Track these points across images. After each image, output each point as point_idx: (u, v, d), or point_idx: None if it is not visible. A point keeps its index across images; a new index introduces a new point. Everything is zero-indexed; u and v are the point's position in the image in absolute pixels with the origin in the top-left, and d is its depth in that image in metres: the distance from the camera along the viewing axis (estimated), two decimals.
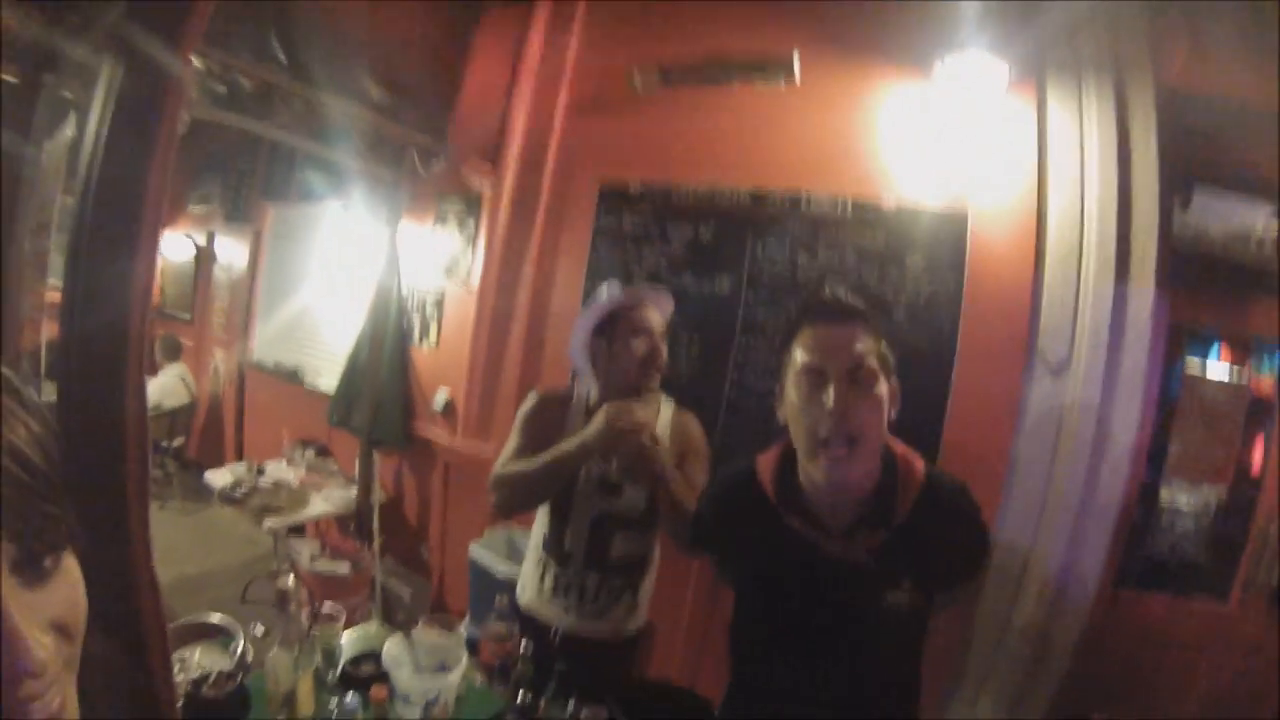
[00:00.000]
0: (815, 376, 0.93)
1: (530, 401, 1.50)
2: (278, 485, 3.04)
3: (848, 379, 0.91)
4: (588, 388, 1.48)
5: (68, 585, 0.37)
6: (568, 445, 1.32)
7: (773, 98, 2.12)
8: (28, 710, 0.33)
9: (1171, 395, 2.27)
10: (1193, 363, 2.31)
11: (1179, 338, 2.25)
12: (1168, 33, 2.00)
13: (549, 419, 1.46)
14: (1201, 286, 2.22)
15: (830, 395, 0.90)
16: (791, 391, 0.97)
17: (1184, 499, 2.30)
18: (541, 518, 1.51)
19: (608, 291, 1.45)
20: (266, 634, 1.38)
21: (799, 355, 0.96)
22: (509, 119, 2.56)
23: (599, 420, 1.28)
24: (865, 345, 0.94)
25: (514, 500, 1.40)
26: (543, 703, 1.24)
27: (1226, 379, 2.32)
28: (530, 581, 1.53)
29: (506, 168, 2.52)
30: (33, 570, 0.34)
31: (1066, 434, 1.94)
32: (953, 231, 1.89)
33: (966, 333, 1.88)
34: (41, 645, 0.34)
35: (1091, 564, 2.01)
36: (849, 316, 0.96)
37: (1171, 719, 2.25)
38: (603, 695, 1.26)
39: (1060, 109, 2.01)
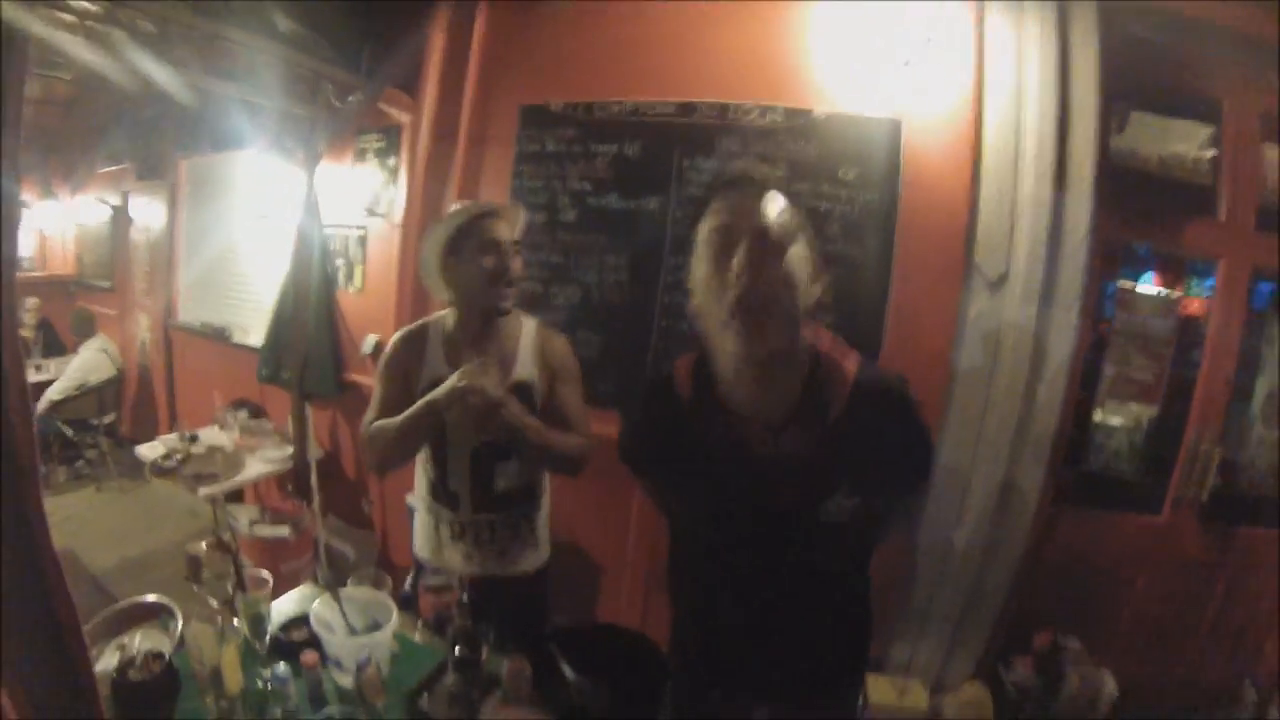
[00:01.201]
0: (722, 238, 0.86)
1: (389, 347, 1.44)
2: (211, 451, 2.90)
3: (756, 240, 0.84)
4: (444, 314, 1.42)
5: None
6: (419, 407, 1.26)
7: (700, 7, 2.01)
8: None
9: (1106, 313, 2.30)
10: (1126, 282, 2.33)
11: (1114, 255, 2.26)
12: None
13: (409, 358, 1.39)
14: (1137, 205, 2.22)
15: (740, 254, 0.84)
16: (699, 264, 0.89)
17: (1117, 417, 2.35)
18: (423, 466, 1.45)
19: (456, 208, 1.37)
20: (185, 607, 1.30)
21: (706, 223, 0.89)
22: (426, 45, 2.39)
23: (449, 382, 1.22)
24: (776, 208, 0.87)
25: (384, 459, 1.35)
26: (483, 655, 1.18)
27: (1159, 297, 2.35)
28: (426, 533, 1.49)
29: (425, 96, 2.37)
30: None
31: (1004, 350, 1.93)
32: (887, 141, 1.83)
33: (903, 245, 1.84)
34: None
35: (1030, 482, 2.02)
36: (760, 185, 0.90)
37: (1110, 633, 2.32)
38: (544, 640, 1.20)
39: (999, 17, 1.95)
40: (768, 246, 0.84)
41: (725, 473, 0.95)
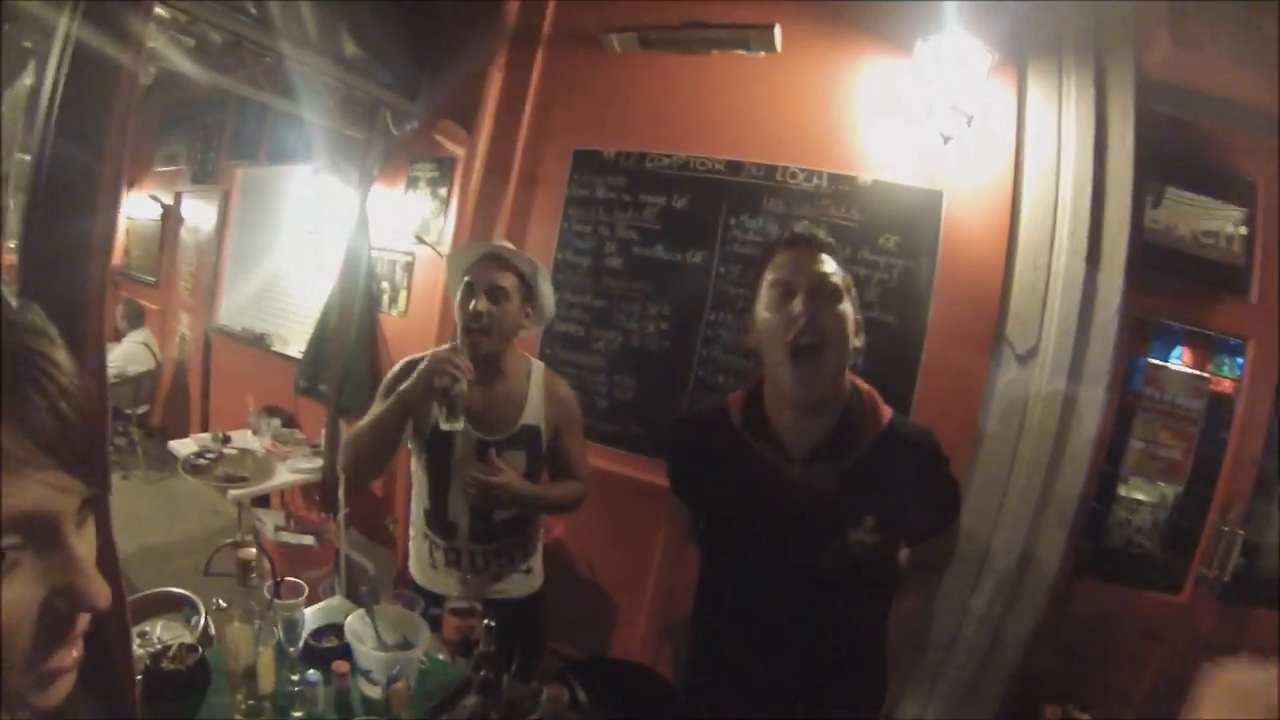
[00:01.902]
0: (783, 289, 0.99)
1: (394, 371, 1.43)
2: (243, 454, 2.98)
3: (815, 291, 0.97)
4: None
5: (93, 529, 0.38)
6: (391, 402, 1.30)
7: (752, 68, 2.09)
8: (76, 647, 0.36)
9: (1134, 389, 2.31)
10: (1156, 359, 2.34)
11: (1144, 331, 2.28)
12: (1151, 23, 1.99)
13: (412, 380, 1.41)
14: (1169, 282, 2.24)
15: (798, 302, 0.97)
16: (761, 310, 1.02)
17: (1142, 493, 2.34)
18: (420, 492, 1.48)
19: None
20: (229, 607, 1.34)
21: (769, 275, 1.03)
22: (484, 81, 2.49)
23: (418, 369, 1.27)
24: (830, 267, 1.00)
25: (355, 462, 1.37)
26: (505, 680, 1.21)
27: (1188, 375, 2.36)
28: (420, 558, 1.51)
29: (480, 131, 2.46)
30: (88, 510, 0.36)
31: (1031, 421, 1.95)
32: (928, 211, 1.88)
33: (937, 313, 1.88)
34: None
35: (1050, 553, 2.03)
36: (817, 245, 1.03)
37: (1123, 709, 2.29)
38: (562, 673, 1.23)
39: (1039, 94, 2.00)
40: (823, 296, 0.97)
41: (761, 497, 1.04)
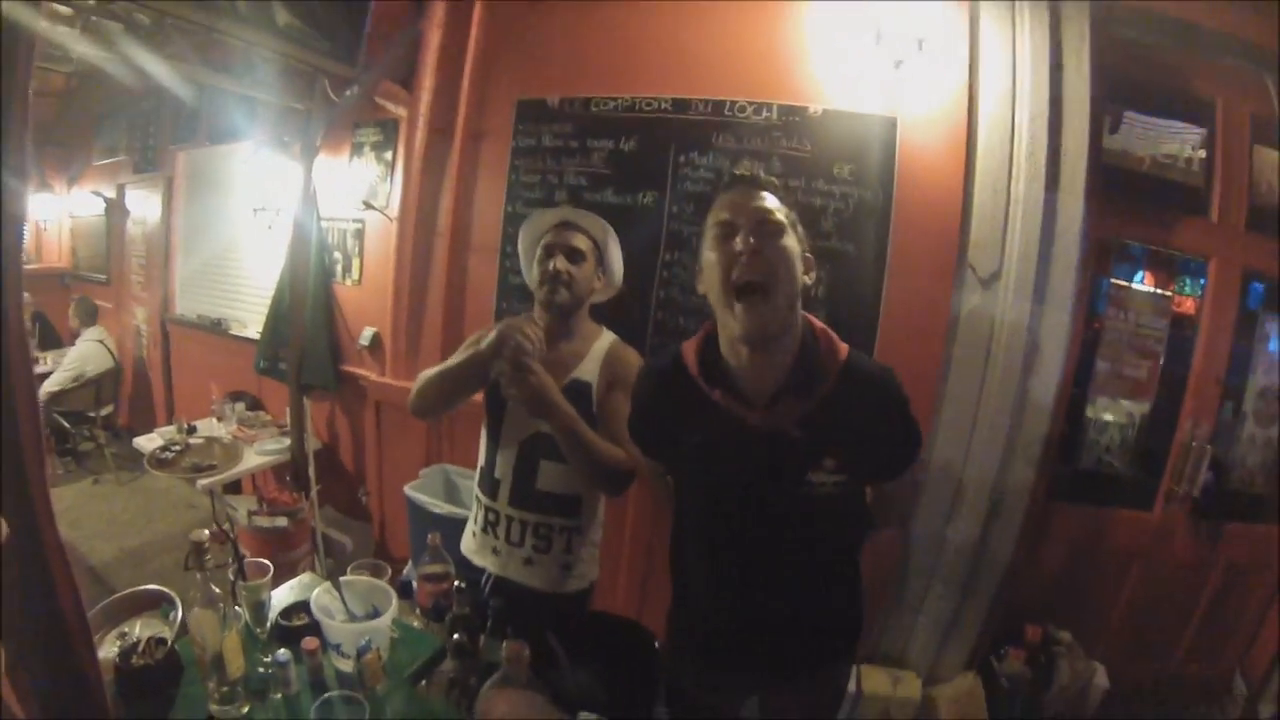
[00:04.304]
0: (727, 228, 0.98)
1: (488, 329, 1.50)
2: (209, 442, 2.92)
3: (756, 228, 0.96)
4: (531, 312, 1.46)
5: None
6: (465, 356, 1.33)
7: (696, 4, 2.01)
8: None
9: (1099, 310, 2.31)
10: (1120, 280, 2.35)
11: (1106, 253, 2.28)
12: None
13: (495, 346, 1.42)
14: (1130, 204, 2.24)
15: (739, 240, 0.95)
16: (707, 252, 1.01)
17: (1110, 413, 2.37)
18: (481, 452, 1.47)
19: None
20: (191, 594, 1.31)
21: (711, 218, 1.02)
22: (422, 39, 2.39)
23: (491, 335, 1.27)
24: (772, 203, 0.99)
25: (421, 399, 1.41)
26: (480, 641, 1.20)
27: (1152, 295, 2.37)
28: (469, 525, 1.51)
29: (422, 91, 2.38)
30: None
31: (997, 346, 1.94)
32: (882, 139, 1.84)
33: (896, 242, 1.85)
34: None
35: (1022, 477, 2.04)
36: (759, 184, 1.02)
37: (1102, 627, 2.35)
38: (538, 630, 1.21)
39: (992, 17, 1.96)
40: (765, 232, 0.96)
41: (723, 442, 1.02)
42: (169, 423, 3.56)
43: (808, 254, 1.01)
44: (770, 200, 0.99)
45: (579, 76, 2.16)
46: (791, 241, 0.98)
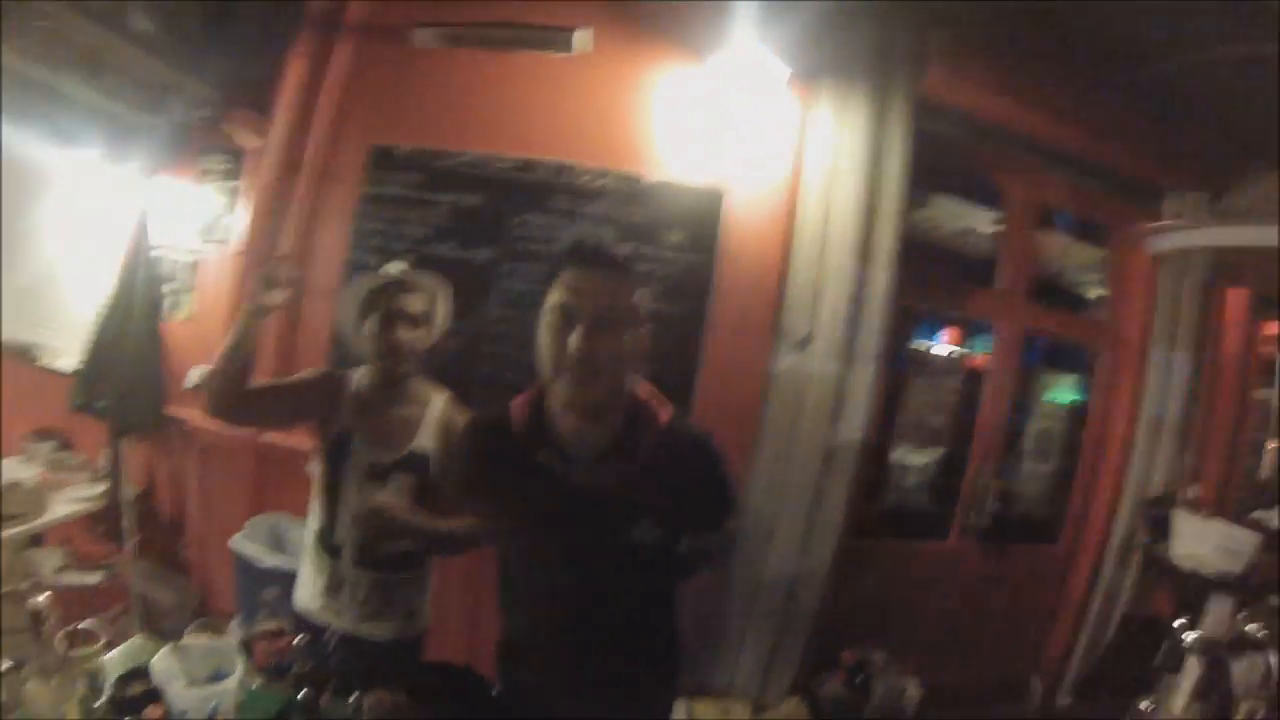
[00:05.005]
0: (565, 314, 0.96)
1: (308, 371, 1.53)
2: (11, 487, 2.56)
3: (594, 324, 0.95)
4: (362, 369, 1.47)
5: None
6: (241, 321, 1.30)
7: (550, 68, 2.14)
8: None
9: (902, 369, 2.65)
10: (920, 342, 2.71)
11: (909, 318, 2.63)
12: (932, 50, 2.24)
13: (322, 399, 1.44)
14: (930, 275, 2.59)
15: (577, 335, 0.94)
16: (543, 332, 1.00)
17: (911, 458, 2.70)
18: (314, 510, 1.46)
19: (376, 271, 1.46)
20: (13, 668, 1.19)
21: (552, 295, 0.99)
22: (282, 69, 2.34)
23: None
24: (614, 288, 0.99)
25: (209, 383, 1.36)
26: (325, 697, 1.18)
27: (947, 356, 2.75)
28: (306, 581, 1.48)
29: (276, 123, 2.31)
30: None
31: (808, 401, 2.17)
32: (710, 210, 2.03)
33: (718, 307, 2.03)
34: None
35: (832, 519, 2.26)
36: (607, 264, 1.00)
37: (910, 645, 2.64)
38: (383, 682, 1.22)
39: (824, 107, 2.19)
40: (603, 328, 0.95)
41: (546, 500, 1.05)
42: None
43: (644, 328, 1.03)
44: (613, 284, 0.99)
45: (434, 126, 2.20)
46: (630, 334, 0.99)
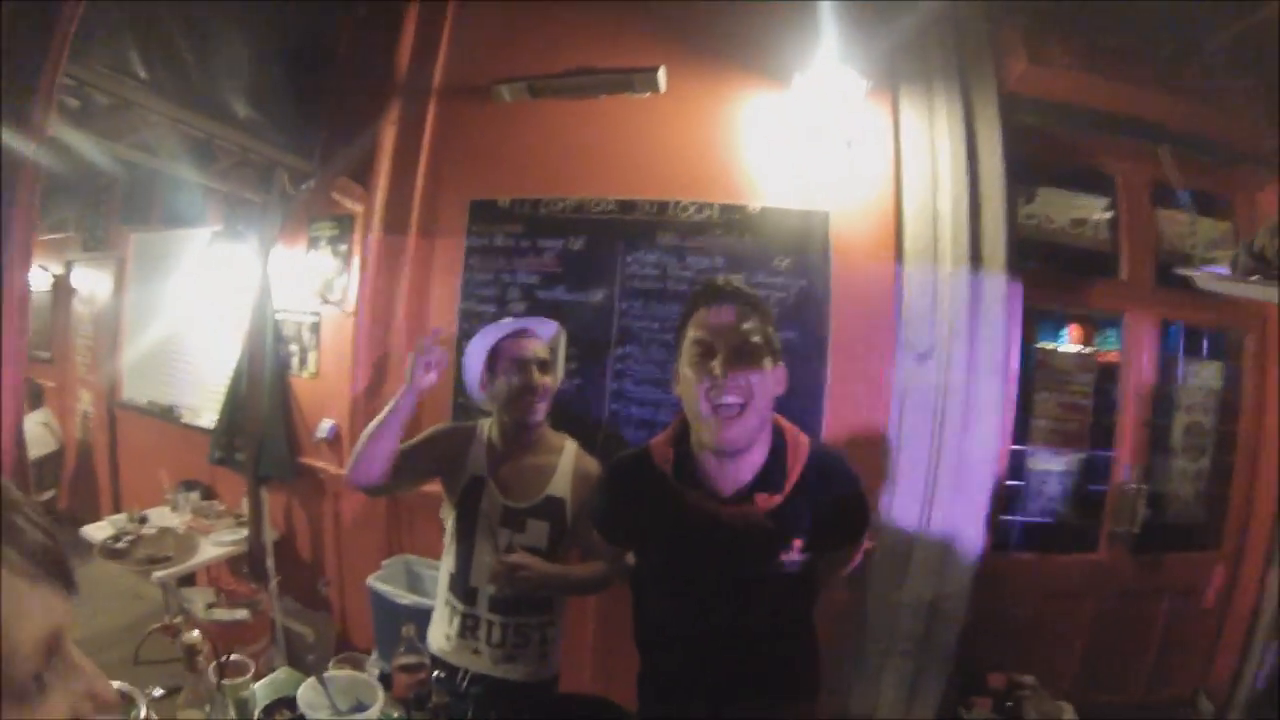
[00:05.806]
0: (704, 348, 1.02)
1: (440, 426, 1.55)
2: (163, 533, 2.82)
3: (733, 354, 1.00)
4: (489, 420, 1.51)
5: None
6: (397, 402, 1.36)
7: (638, 109, 2.15)
8: None
9: (1029, 372, 2.46)
10: (1045, 341, 2.51)
11: (1031, 318, 2.44)
12: (1008, 45, 2.14)
13: (453, 450, 1.48)
14: (1048, 272, 2.41)
15: (717, 364, 0.99)
16: (684, 367, 1.05)
17: (1049, 465, 2.50)
18: (448, 555, 1.49)
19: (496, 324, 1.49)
20: (167, 694, 1.26)
21: (690, 332, 1.05)
22: (378, 137, 2.46)
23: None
24: (751, 325, 1.03)
25: (355, 462, 1.40)
26: None
27: (1075, 354, 2.54)
28: (439, 625, 1.51)
29: (377, 187, 2.43)
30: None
31: (937, 414, 2.05)
32: (817, 232, 1.96)
33: (837, 327, 1.96)
34: None
35: (971, 534, 2.13)
36: (737, 300, 1.05)
37: (1062, 666, 2.44)
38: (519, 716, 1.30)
39: (912, 115, 2.11)
40: (742, 358, 1.00)
41: (695, 534, 1.07)
42: (115, 510, 3.43)
43: (780, 363, 1.05)
44: (748, 320, 1.03)
45: (528, 176, 2.25)
46: (768, 362, 1.02)
